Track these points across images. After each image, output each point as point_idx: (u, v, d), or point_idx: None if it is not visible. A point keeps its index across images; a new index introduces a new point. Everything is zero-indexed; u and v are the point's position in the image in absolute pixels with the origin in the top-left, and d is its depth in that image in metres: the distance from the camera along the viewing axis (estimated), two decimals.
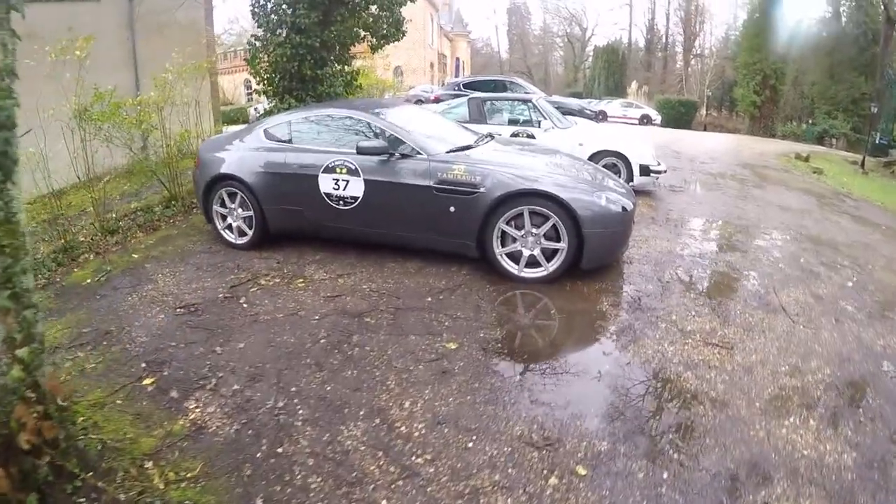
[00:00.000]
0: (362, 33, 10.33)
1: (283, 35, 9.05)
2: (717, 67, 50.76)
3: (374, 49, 10.83)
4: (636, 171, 8.84)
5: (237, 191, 5.92)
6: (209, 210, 6.23)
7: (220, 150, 6.28)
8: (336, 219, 5.59)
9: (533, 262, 5.11)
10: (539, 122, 9.29)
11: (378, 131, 5.52)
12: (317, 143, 5.76)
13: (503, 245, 5.13)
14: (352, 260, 5.66)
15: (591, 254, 4.97)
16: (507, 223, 5.04)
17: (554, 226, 4.92)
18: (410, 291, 4.94)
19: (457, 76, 63.45)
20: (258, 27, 9.55)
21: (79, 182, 6.84)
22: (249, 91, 49.33)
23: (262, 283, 5.14)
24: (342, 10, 9.20)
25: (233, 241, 6.13)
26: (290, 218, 5.83)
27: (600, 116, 32.83)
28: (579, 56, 74.63)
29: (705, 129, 36.21)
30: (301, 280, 5.21)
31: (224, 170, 5.98)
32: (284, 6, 8.90)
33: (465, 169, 5.08)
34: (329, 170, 5.46)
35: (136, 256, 6.02)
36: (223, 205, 6.11)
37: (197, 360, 3.89)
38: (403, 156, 5.28)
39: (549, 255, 5.06)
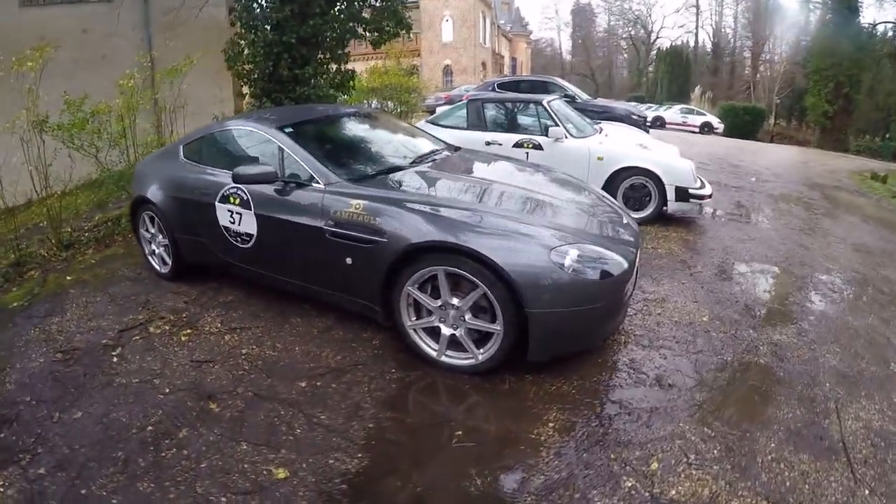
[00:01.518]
0: (359, 29, 9.53)
1: (257, 32, 8.54)
2: (787, 74, 48.04)
3: (375, 45, 9.96)
4: (671, 194, 7.27)
5: (154, 215, 5.20)
6: (137, 234, 5.64)
7: (149, 167, 5.62)
8: (240, 258, 4.66)
9: (459, 344, 3.69)
10: (547, 129, 7.68)
11: (276, 151, 4.36)
12: (219, 166, 4.82)
13: (419, 315, 3.81)
14: (258, 308, 4.78)
15: (541, 342, 3.46)
16: (420, 287, 3.68)
17: (486, 296, 3.44)
18: (290, 367, 3.89)
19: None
20: (240, 26, 8.93)
21: (36, 195, 6.64)
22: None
23: (151, 330, 4.48)
24: (321, 0, 8.41)
25: (158, 269, 5.47)
26: (201, 251, 4.97)
27: (657, 123, 31.16)
28: (644, 59, 73.05)
29: (772, 141, 33.69)
30: (189, 331, 4.44)
31: (143, 191, 5.27)
32: (258, 1, 8.49)
33: (365, 206, 3.78)
34: (224, 199, 4.51)
35: (69, 278, 5.61)
36: (148, 229, 5.44)
37: (33, 425, 3.41)
38: (298, 184, 4.14)
39: (482, 337, 3.63)
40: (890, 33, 39.00)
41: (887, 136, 33.03)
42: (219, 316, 4.66)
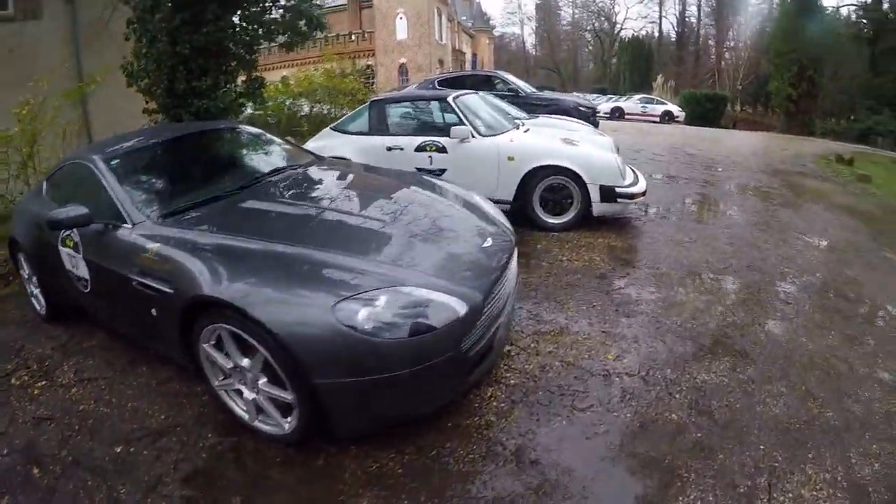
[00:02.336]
0: (261, 32, 8.70)
1: (151, 44, 7.72)
2: (751, 60, 47.55)
3: (288, 48, 9.22)
4: (594, 195, 6.16)
5: (23, 256, 4.86)
6: (19, 272, 5.19)
7: (23, 204, 5.27)
8: (86, 303, 4.17)
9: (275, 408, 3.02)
10: (450, 130, 6.58)
11: (100, 187, 3.86)
12: (63, 203, 4.09)
13: (226, 375, 3.16)
14: (112, 355, 4.19)
15: (343, 418, 2.81)
16: (216, 346, 3.01)
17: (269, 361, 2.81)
18: (115, 428, 3.35)
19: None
20: (134, 39, 8.08)
21: None
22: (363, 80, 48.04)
23: (13, 382, 4.00)
24: (213, 6, 7.54)
25: (38, 310, 4.93)
26: (62, 293, 4.44)
27: (616, 114, 30.30)
28: (608, 51, 72.68)
29: (734, 127, 32.81)
30: (44, 383, 3.93)
31: (14, 230, 4.93)
32: (148, 12, 7.53)
33: (157, 252, 3.24)
34: (63, 242, 4.00)
35: None
36: (24, 269, 5.02)
37: None
38: (114, 226, 3.58)
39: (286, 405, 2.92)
40: (853, 16, 38.63)
41: (852, 118, 32.38)
42: (76, 365, 4.14)
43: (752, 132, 26.39)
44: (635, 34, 65.65)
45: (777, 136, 23.68)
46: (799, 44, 30.76)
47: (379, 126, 7.17)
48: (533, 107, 12.17)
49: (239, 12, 8.26)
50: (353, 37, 50.37)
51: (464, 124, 6.59)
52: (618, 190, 6.11)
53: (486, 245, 3.35)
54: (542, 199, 6.42)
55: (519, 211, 6.37)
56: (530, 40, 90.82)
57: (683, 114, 31.74)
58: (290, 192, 4.13)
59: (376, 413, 2.82)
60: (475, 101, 7.42)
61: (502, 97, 12.30)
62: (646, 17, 73.72)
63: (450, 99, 6.90)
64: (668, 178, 9.84)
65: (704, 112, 33.14)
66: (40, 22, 11.12)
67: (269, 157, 4.90)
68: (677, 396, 3.32)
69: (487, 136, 6.62)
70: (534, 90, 14.23)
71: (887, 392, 3.54)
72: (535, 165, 6.28)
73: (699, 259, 5.61)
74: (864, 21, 35.81)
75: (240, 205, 3.77)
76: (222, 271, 2.89)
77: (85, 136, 9.47)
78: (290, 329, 2.58)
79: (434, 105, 7.21)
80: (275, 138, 5.31)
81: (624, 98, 35.86)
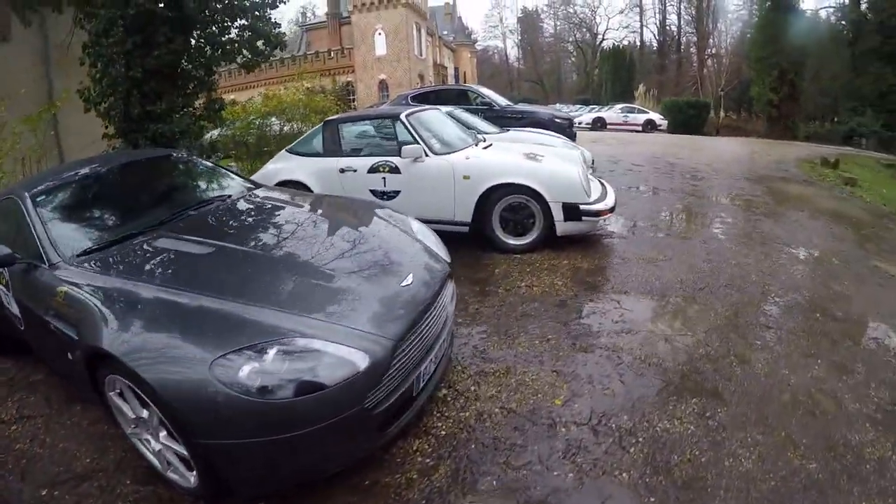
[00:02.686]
0: (218, 53, 8.59)
1: (106, 68, 7.62)
2: (733, 66, 47.48)
3: (247, 68, 8.95)
4: (557, 213, 5.70)
5: None
6: None
7: None
8: (28, 340, 3.91)
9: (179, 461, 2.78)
10: (401, 149, 6.15)
11: (25, 223, 3.66)
12: None
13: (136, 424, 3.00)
14: (54, 390, 4.00)
15: (237, 479, 2.58)
16: (121, 395, 2.86)
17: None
18: (44, 470, 3.12)
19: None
20: (89, 63, 7.95)
21: None
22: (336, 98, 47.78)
23: None
24: (165, 28, 7.47)
25: None
26: (8, 327, 4.09)
27: (598, 125, 30.02)
28: (590, 62, 72.74)
29: (718, 133, 32.56)
30: None
31: None
32: (102, 35, 7.44)
33: (66, 296, 3.09)
34: None
35: None
36: None
37: None
38: (35, 266, 3.42)
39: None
40: (832, 18, 38.57)
41: (836, 120, 32.16)
42: (19, 401, 3.97)
43: (736, 138, 26.05)
44: (616, 44, 65.70)
45: (760, 142, 23.33)
46: (778, 48, 30.51)
47: (332, 147, 6.75)
48: (507, 120, 11.91)
49: (195, 33, 8.17)
50: (333, 54, 50.36)
51: (417, 143, 6.15)
52: (582, 207, 5.64)
53: (405, 284, 3.00)
54: (503, 219, 5.97)
55: (479, 232, 5.96)
56: (513, 53, 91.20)
57: (666, 122, 31.40)
58: (205, 228, 3.79)
59: (273, 473, 2.53)
60: (431, 118, 7.00)
61: (476, 111, 11.96)
62: (627, 26, 73.98)
63: (402, 116, 6.44)
64: (646, 189, 9.41)
65: (687, 119, 32.78)
66: (8, 44, 10.90)
67: (200, 188, 4.64)
68: (631, 450, 2.84)
69: (442, 154, 6.18)
70: (509, 103, 13.80)
71: (880, 433, 3.07)
72: (492, 184, 5.83)
73: (672, 279, 5.14)
74: (843, 23, 35.68)
75: (152, 243, 3.48)
76: (116, 321, 2.70)
77: (56, 160, 9.26)
78: (172, 388, 2.39)
79: (387, 124, 6.75)
80: (215, 166, 5.04)
81: (605, 108, 35.57)
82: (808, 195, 9.75)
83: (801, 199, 9.27)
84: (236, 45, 8.54)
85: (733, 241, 6.43)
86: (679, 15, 63.57)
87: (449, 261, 3.48)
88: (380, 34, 47.57)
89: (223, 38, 8.42)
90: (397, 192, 6.20)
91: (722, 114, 45.78)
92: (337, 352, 2.46)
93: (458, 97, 13.47)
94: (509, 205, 5.87)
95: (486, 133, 9.29)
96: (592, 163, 9.89)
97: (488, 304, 4.70)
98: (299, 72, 20.34)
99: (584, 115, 33.30)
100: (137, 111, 7.61)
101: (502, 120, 11.87)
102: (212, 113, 8.86)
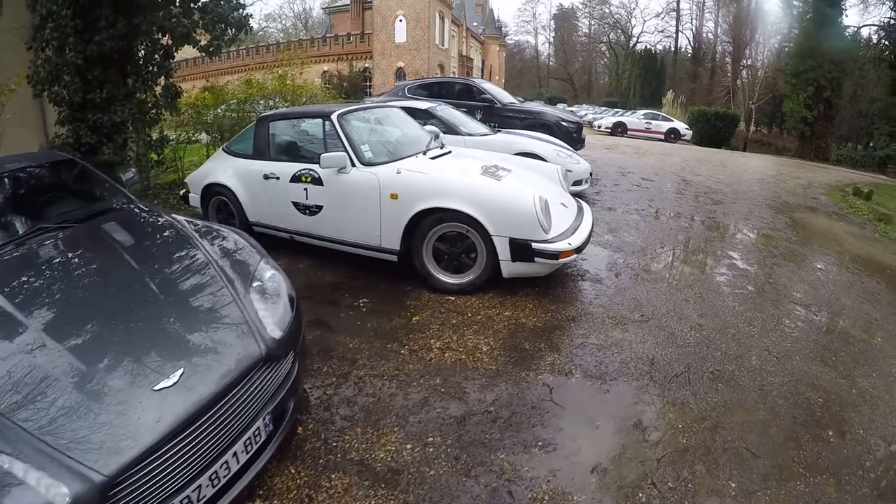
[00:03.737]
0: (162, 39, 7.96)
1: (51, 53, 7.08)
2: (767, 80, 45.63)
3: (208, 52, 8.18)
4: (502, 250, 4.40)
5: None
6: None
7: None
8: None
9: None
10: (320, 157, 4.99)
11: None
12: None
13: None
14: None
15: None
16: None
17: None
18: None
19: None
20: (34, 48, 7.42)
21: None
22: (328, 87, 47.02)
23: None
24: (107, 11, 6.81)
25: None
26: None
27: (618, 130, 28.55)
28: (622, 64, 71.09)
29: (745, 149, 30.84)
30: None
31: None
32: (46, 19, 6.93)
33: None
34: None
35: None
36: None
37: None
38: None
39: None
40: (874, 37, 36.57)
41: (870, 144, 30.31)
42: None
43: (763, 155, 24.48)
44: (648, 47, 64.05)
45: (789, 162, 21.71)
46: (816, 63, 28.72)
47: (261, 148, 5.73)
48: (508, 120, 11.01)
49: (142, 17, 7.37)
50: (351, 38, 49.25)
51: (338, 151, 4.97)
52: (536, 246, 4.28)
53: (161, 386, 2.16)
54: (437, 251, 4.71)
55: (410, 263, 4.76)
56: (544, 50, 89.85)
57: (690, 132, 29.70)
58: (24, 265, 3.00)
59: None
60: (380, 117, 5.98)
61: (475, 108, 11.19)
62: (662, 31, 72.30)
63: (333, 117, 5.20)
64: (649, 212, 7.98)
65: (714, 131, 31.02)
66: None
67: (52, 209, 3.76)
68: None
69: (372, 164, 4.93)
70: (514, 101, 12.52)
71: None
72: (422, 207, 4.56)
73: (641, 355, 3.75)
74: (886, 43, 33.66)
75: None
76: None
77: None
78: None
79: (317, 124, 5.49)
80: (104, 179, 4.23)
81: (628, 113, 33.91)
82: (836, 232, 8.27)
83: (829, 238, 7.80)
84: (190, 28, 7.73)
85: (738, 296, 5.00)
86: (716, 22, 61.66)
87: (280, 336, 2.59)
88: (401, 20, 46.17)
89: (172, 22, 7.56)
90: (320, 208, 5.15)
91: (752, 128, 44.01)
92: (34, 482, 1.80)
93: (461, 91, 12.39)
94: (445, 234, 4.60)
95: (470, 135, 8.39)
96: (591, 176, 8.59)
97: (369, 385, 3.40)
98: (289, 57, 19.08)
99: (605, 119, 31.74)
100: (78, 99, 6.98)
101: (502, 119, 11.01)
102: (167, 101, 8.15)
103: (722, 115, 32.73)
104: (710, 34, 63.70)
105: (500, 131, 9.23)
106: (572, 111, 48.05)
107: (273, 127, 5.75)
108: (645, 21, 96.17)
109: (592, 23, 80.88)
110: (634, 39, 73.99)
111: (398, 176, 4.74)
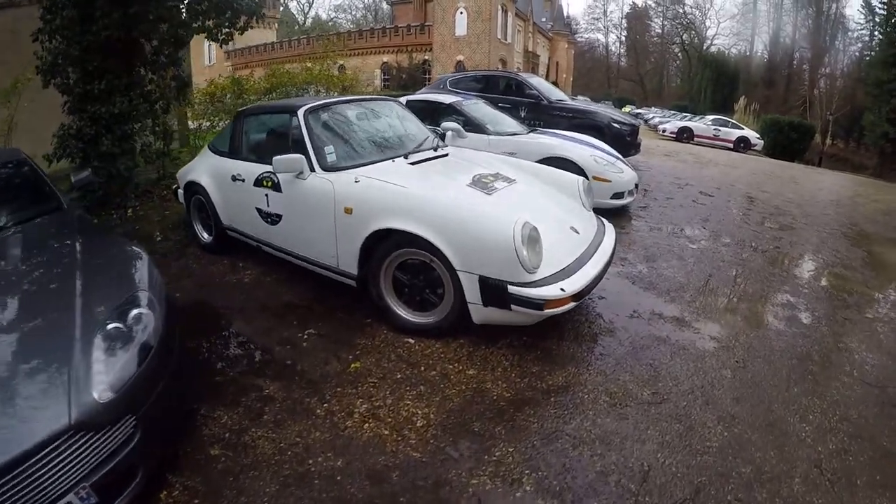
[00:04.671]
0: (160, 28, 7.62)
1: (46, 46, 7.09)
2: (846, 90, 43.15)
3: (219, 40, 8.05)
4: (471, 290, 3.40)
5: None
6: None
7: None
8: None
9: None
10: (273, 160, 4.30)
11: None
12: None
13: None
14: None
15: None
16: None
17: None
18: None
19: (551, 80, 58.79)
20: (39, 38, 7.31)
21: None
22: (387, 78, 47.19)
23: None
24: (102, 2, 6.65)
25: None
26: None
27: (683, 136, 26.92)
28: (695, 67, 68.78)
29: (820, 163, 28.78)
30: None
31: None
32: (48, 11, 6.89)
33: None
34: None
35: None
36: None
37: None
38: None
39: None
40: None
41: None
42: None
43: (839, 172, 22.45)
44: (722, 50, 61.73)
45: (867, 182, 19.71)
46: None
47: (235, 146, 5.22)
48: (556, 118, 10.28)
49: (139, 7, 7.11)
50: (411, 29, 48.77)
51: (304, 150, 4.20)
52: (512, 290, 3.18)
53: None
54: (396, 282, 3.74)
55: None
56: (615, 49, 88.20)
57: (761, 142, 27.69)
58: None
59: None
60: (367, 112, 5.09)
61: (520, 104, 10.71)
62: (737, 34, 69.76)
63: (300, 112, 4.43)
64: (700, 236, 6.76)
65: (787, 142, 28.94)
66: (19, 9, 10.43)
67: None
68: None
69: (334, 170, 4.09)
70: (563, 98, 11.49)
71: None
72: (377, 227, 3.61)
73: (632, 463, 2.64)
74: None
75: None
76: None
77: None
78: None
79: (284, 120, 4.71)
80: (35, 178, 4.07)
81: (696, 118, 32.09)
82: None
83: None
84: (190, 17, 7.62)
85: (795, 369, 3.76)
86: (795, 26, 58.82)
87: (111, 398, 2.16)
88: (461, 12, 45.14)
89: (171, 10, 7.44)
90: (280, 217, 4.49)
91: (828, 141, 41.60)
92: None
93: (506, 86, 11.55)
94: (402, 263, 3.62)
95: (498, 134, 7.52)
96: (636, 188, 7.44)
97: (249, 449, 2.75)
98: (324, 48, 18.42)
99: (670, 124, 30.06)
100: (79, 90, 6.89)
101: (549, 117, 10.32)
102: (174, 92, 7.99)
103: (797, 125, 30.61)
104: (787, 39, 61.02)
105: (537, 131, 8.26)
106: (639, 113, 46.55)
107: (246, 123, 5.19)
108: (720, 23, 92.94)
109: (665, 23, 79.04)
110: (708, 42, 71.78)
111: (355, 186, 3.82)
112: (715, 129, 27.79)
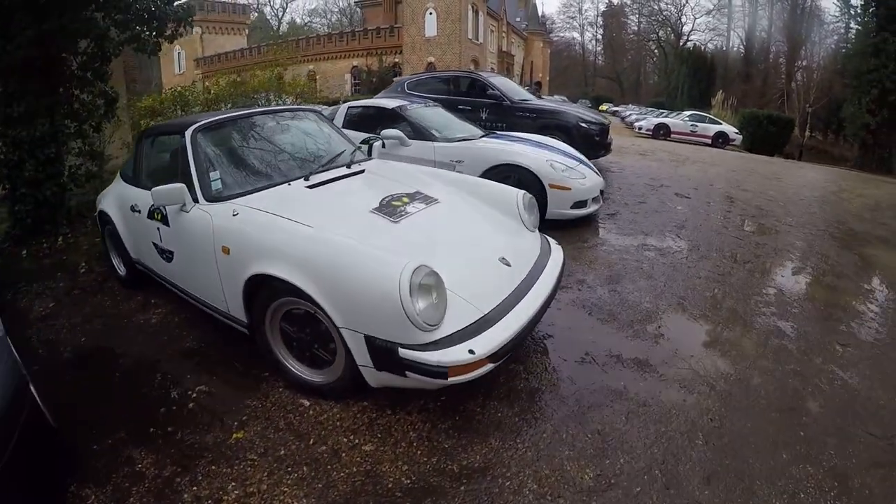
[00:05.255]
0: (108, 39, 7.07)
1: None
2: (824, 83, 43.00)
3: (146, 51, 7.40)
4: (359, 353, 2.66)
5: None
6: None
7: None
8: None
9: None
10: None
11: None
12: None
13: None
14: None
15: None
16: None
17: None
18: None
19: (527, 80, 58.37)
20: None
21: None
22: (357, 82, 46.66)
23: None
24: (20, 16, 6.11)
25: None
26: None
27: (660, 133, 26.49)
28: (672, 63, 69.02)
29: (800, 157, 28.30)
30: None
31: None
32: None
33: None
34: None
35: None
36: None
37: None
38: None
39: None
40: None
41: None
42: None
43: (820, 165, 21.93)
44: (698, 45, 61.73)
45: (850, 175, 19.20)
46: (882, 63, 25.86)
47: (136, 172, 4.62)
48: (519, 119, 9.63)
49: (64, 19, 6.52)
50: (381, 32, 48.41)
51: (188, 178, 3.57)
52: (403, 353, 2.46)
53: None
54: (285, 334, 3.07)
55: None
56: (592, 48, 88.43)
57: (740, 137, 27.21)
58: None
59: None
60: (276, 127, 4.46)
61: (480, 106, 10.16)
62: (714, 29, 69.86)
63: (187, 133, 3.81)
64: (674, 248, 6.05)
65: (766, 136, 28.41)
66: None
67: None
68: None
69: (219, 200, 3.45)
70: (527, 98, 10.82)
71: None
72: (253, 272, 2.93)
73: None
74: None
75: None
76: None
77: None
78: None
79: (175, 141, 4.08)
80: None
81: (672, 114, 31.58)
82: None
83: None
84: (121, 29, 7.08)
85: (785, 426, 3.06)
86: (770, 20, 58.95)
87: None
88: (431, 13, 44.63)
89: (87, 24, 6.78)
90: (172, 254, 3.87)
91: (807, 133, 41.39)
92: None
93: (468, 87, 10.86)
94: (290, 312, 2.95)
95: (446, 140, 6.77)
96: (601, 194, 6.76)
97: None
98: (274, 56, 17.94)
99: (646, 121, 29.56)
100: None
101: (512, 119, 9.66)
102: (102, 109, 7.31)
103: (775, 118, 30.13)
104: (763, 32, 61.18)
105: (494, 135, 7.52)
106: (616, 111, 46.13)
107: (146, 145, 4.60)
108: (696, 18, 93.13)
109: (641, 20, 79.21)
110: (685, 38, 71.80)
111: (233, 221, 3.15)
112: (692, 125, 27.32)
